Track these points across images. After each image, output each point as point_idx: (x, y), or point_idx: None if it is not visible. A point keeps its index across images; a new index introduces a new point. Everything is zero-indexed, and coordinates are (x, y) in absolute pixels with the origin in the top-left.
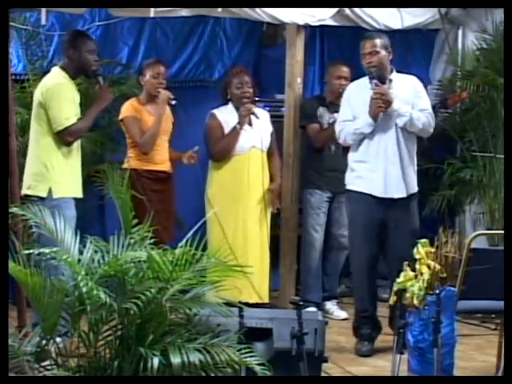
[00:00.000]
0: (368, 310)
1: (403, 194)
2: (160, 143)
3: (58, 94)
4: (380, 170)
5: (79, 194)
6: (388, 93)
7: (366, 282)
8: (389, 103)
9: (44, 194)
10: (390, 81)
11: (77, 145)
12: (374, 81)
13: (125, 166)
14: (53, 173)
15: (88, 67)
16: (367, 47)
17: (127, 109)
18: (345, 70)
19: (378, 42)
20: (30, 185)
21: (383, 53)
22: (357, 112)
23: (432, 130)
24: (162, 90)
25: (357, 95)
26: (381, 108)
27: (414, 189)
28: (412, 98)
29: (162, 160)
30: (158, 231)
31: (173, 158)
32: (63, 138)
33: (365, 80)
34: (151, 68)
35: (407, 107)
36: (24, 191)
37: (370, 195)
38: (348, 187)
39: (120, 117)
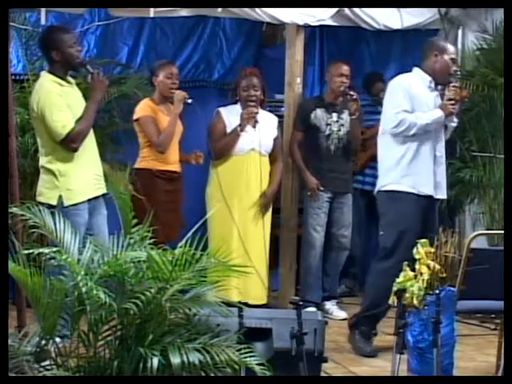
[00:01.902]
0: (382, 308)
1: (445, 196)
2: (173, 143)
3: (49, 104)
4: (430, 169)
5: (102, 191)
6: (458, 98)
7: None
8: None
9: (54, 202)
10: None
11: (90, 143)
12: (454, 83)
13: (137, 166)
14: (62, 180)
15: (74, 62)
16: (454, 53)
17: (143, 109)
18: (346, 69)
19: None
20: (41, 192)
21: None
22: (416, 107)
23: None
24: (175, 90)
25: (417, 90)
26: (454, 110)
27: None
28: None
29: (175, 160)
30: (166, 230)
31: (181, 159)
32: (67, 145)
33: (419, 78)
34: (164, 69)
35: None
36: (37, 198)
37: (418, 194)
38: (393, 187)
39: (135, 116)
